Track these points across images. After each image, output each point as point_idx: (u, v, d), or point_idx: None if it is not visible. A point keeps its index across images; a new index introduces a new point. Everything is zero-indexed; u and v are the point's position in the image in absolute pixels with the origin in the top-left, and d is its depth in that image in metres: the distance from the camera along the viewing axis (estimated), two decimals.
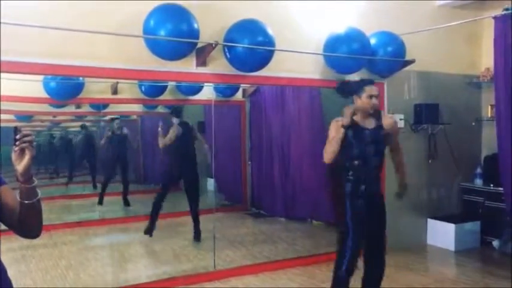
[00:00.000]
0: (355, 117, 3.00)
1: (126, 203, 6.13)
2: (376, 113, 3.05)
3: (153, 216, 5.21)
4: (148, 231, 5.17)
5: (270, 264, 4.48)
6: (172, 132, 5.35)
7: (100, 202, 5.87)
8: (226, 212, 6.44)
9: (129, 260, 4.85)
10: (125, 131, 6.02)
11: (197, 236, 5.25)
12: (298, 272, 4.35)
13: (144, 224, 5.22)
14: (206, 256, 4.40)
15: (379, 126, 3.04)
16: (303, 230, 5.93)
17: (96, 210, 5.95)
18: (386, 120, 3.12)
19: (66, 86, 4.56)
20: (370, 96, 2.94)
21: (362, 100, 2.96)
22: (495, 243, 4.99)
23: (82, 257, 4.84)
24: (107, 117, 5.96)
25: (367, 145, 3.00)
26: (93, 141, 6.15)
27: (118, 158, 6.06)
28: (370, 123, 3.03)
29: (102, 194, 5.90)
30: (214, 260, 4.29)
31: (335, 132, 2.99)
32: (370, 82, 3.04)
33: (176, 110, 5.48)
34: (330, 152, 3.00)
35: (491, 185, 5.02)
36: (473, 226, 5.14)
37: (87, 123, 6.32)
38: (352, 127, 2.98)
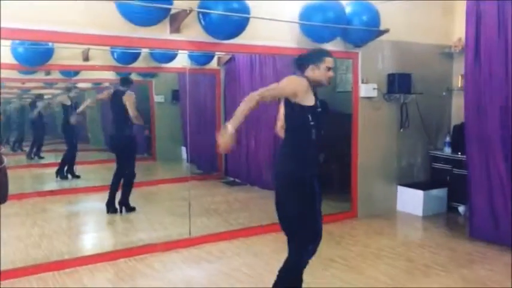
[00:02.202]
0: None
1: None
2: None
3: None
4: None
5: (245, 230, 4.56)
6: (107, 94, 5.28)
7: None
8: (201, 181, 6.49)
9: (103, 228, 4.86)
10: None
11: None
12: (272, 237, 4.45)
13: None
14: (181, 223, 4.45)
15: (322, 102, 2.81)
16: None
17: (69, 179, 5.91)
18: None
19: (35, 52, 4.43)
20: (329, 68, 2.75)
21: (320, 71, 2.72)
22: (461, 208, 5.21)
23: (56, 226, 4.83)
24: (67, 84, 5.81)
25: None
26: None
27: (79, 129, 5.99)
28: (312, 98, 2.71)
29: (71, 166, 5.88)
30: (189, 227, 4.34)
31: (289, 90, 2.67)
32: (329, 54, 2.82)
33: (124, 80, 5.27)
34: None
35: (459, 153, 5.19)
36: (440, 193, 5.33)
37: (58, 91, 6.19)
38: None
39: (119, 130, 5.16)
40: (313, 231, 2.69)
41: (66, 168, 5.90)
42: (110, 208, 5.07)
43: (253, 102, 2.58)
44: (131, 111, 4.99)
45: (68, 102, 5.77)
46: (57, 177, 5.86)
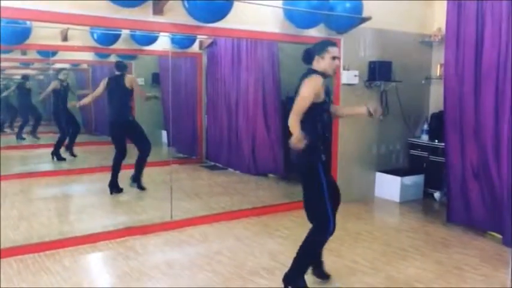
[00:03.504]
0: None
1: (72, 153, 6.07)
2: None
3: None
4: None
5: (226, 214, 4.60)
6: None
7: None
8: (182, 164, 6.48)
9: (84, 211, 4.82)
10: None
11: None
12: (253, 221, 4.51)
13: (97, 175, 5.18)
14: (163, 207, 4.45)
15: (328, 89, 2.95)
16: (257, 182, 6.08)
17: (48, 162, 5.82)
18: None
19: (12, 31, 4.31)
20: (334, 58, 2.85)
21: (325, 61, 2.84)
22: (436, 194, 5.35)
23: (34, 208, 4.77)
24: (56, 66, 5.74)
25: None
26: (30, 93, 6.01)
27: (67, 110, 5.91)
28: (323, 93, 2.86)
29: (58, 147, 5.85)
30: (171, 210, 4.35)
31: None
32: (333, 44, 2.92)
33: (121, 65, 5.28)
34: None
35: (436, 141, 5.31)
36: (417, 179, 5.45)
37: (34, 71, 6.06)
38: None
39: (126, 113, 5.25)
40: (324, 217, 2.90)
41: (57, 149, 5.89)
42: (114, 189, 5.11)
43: (296, 125, 2.72)
44: (141, 92, 5.43)
45: (58, 87, 5.74)
46: (53, 158, 5.87)
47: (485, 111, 4.06)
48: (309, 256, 3.01)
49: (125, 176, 5.23)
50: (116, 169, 5.14)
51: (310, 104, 2.76)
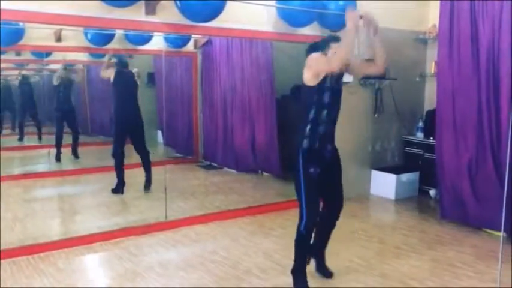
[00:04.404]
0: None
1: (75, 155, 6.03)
2: None
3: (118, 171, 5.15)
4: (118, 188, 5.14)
5: (221, 214, 4.59)
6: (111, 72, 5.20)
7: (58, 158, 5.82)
8: (178, 164, 6.47)
9: (78, 212, 4.82)
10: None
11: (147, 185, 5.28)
12: (248, 221, 4.50)
13: (92, 176, 5.16)
14: (158, 207, 4.45)
15: (339, 76, 2.93)
16: (253, 181, 6.08)
17: (43, 163, 5.80)
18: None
19: (5, 32, 4.29)
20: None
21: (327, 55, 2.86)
22: (432, 192, 5.36)
23: (29, 209, 4.76)
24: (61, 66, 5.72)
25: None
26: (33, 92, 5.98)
27: (65, 109, 5.87)
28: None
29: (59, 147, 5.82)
30: (166, 210, 4.34)
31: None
32: (336, 39, 2.94)
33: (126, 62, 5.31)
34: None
35: (431, 138, 5.31)
36: (412, 177, 5.46)
37: (29, 72, 6.04)
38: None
39: (137, 110, 5.23)
40: (300, 211, 2.91)
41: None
42: (121, 189, 5.12)
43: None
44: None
45: (56, 82, 5.74)
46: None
47: (478, 108, 4.06)
48: (296, 250, 3.00)
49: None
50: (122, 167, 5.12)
51: (308, 85, 2.79)
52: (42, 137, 6.09)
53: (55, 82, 5.74)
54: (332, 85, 2.86)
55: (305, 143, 2.86)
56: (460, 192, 4.28)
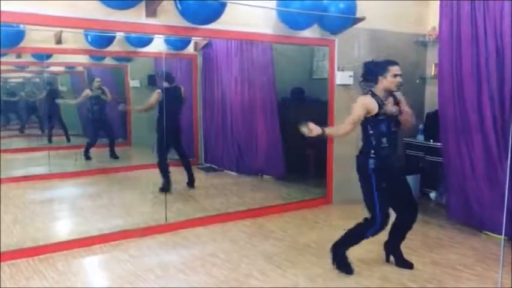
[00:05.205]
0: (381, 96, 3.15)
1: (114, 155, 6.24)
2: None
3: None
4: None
5: (221, 216, 4.58)
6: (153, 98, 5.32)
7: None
8: (177, 167, 6.45)
9: (78, 214, 4.81)
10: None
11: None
12: (248, 223, 4.50)
13: (92, 178, 5.15)
14: (157, 209, 4.44)
15: (397, 103, 3.20)
16: (253, 183, 6.07)
17: (44, 164, 5.80)
18: (400, 96, 3.25)
19: (6, 34, 4.29)
20: (395, 75, 3.09)
21: (387, 79, 3.09)
22: (432, 194, 5.35)
23: (29, 212, 4.75)
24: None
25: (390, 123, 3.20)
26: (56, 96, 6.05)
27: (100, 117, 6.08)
28: (389, 101, 3.17)
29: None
30: (165, 213, 4.34)
31: (361, 111, 3.10)
32: (395, 62, 3.15)
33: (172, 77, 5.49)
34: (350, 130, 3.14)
35: (431, 141, 5.30)
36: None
37: (30, 74, 6.04)
38: (381, 107, 3.10)
39: (179, 120, 5.57)
40: (376, 215, 3.18)
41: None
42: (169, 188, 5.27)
43: (343, 128, 3.21)
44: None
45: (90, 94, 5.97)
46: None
47: (482, 109, 4.05)
48: (349, 242, 3.35)
49: (117, 178, 5.20)
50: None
51: (363, 117, 3.13)
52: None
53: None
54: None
55: (371, 162, 3.23)
56: (465, 194, 4.27)
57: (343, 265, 3.33)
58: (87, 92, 5.92)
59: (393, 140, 3.24)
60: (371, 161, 3.18)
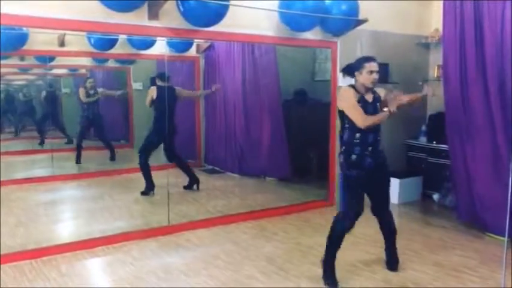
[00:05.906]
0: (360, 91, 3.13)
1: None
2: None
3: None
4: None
5: (223, 218, 4.58)
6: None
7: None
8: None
9: (81, 216, 4.82)
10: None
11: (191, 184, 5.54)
12: (251, 225, 4.50)
13: (94, 180, 5.15)
14: (160, 211, 4.44)
15: (376, 99, 3.19)
16: (256, 185, 6.07)
17: (46, 167, 5.80)
18: (381, 92, 3.27)
19: (9, 37, 4.31)
20: (371, 72, 3.08)
21: (363, 76, 3.09)
22: (435, 196, 5.34)
23: (32, 214, 4.76)
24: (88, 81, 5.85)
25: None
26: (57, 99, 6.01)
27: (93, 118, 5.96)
28: (369, 97, 3.16)
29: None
30: (168, 215, 4.34)
31: (354, 98, 3.08)
32: (371, 59, 3.14)
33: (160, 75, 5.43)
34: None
35: (434, 142, 5.29)
36: (415, 181, 5.44)
37: (33, 77, 6.06)
38: (360, 101, 3.09)
39: (174, 120, 5.39)
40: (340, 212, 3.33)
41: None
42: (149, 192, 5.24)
43: (368, 119, 3.08)
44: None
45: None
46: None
47: (488, 110, 4.04)
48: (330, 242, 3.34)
49: (119, 180, 5.21)
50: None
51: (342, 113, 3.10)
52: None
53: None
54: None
55: (353, 157, 3.20)
56: (472, 195, 4.27)
57: (329, 276, 3.22)
58: (81, 90, 5.81)
59: (369, 137, 3.13)
60: (341, 156, 3.20)
